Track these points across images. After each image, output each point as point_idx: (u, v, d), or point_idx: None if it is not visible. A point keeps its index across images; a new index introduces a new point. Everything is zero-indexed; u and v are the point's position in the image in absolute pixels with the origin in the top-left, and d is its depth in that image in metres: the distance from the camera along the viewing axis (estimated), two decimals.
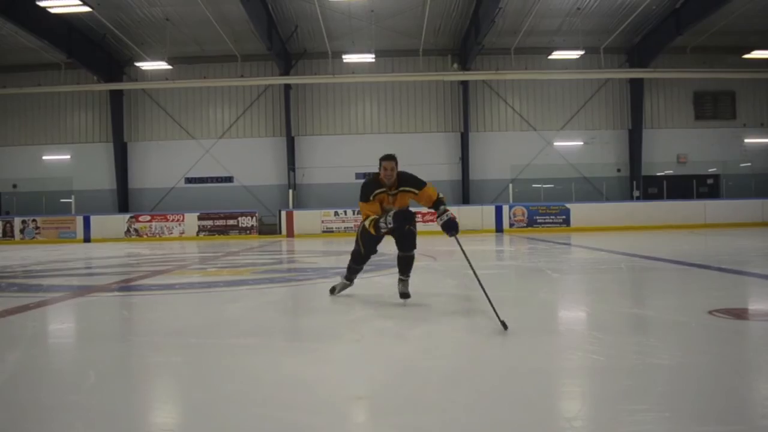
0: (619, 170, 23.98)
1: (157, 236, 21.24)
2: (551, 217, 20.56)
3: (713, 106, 24.13)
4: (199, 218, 21.50)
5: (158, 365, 3.18)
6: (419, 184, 4.75)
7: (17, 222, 21.55)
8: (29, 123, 24.28)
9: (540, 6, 19.35)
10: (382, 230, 4.75)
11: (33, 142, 24.26)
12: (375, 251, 5.04)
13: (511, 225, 20.40)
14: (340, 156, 23.17)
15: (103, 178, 24.14)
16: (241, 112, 24.23)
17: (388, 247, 5.33)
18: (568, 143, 23.87)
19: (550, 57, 21.47)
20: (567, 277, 7.24)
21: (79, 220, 21.49)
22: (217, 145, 24.13)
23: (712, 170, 23.88)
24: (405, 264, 4.82)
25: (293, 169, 23.59)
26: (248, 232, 21.39)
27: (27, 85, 22.44)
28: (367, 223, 4.73)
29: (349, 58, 21.21)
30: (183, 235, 21.31)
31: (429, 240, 15.27)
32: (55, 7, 16.74)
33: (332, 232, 20.55)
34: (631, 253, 9.95)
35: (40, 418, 2.32)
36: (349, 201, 19.92)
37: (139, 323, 4.75)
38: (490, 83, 23.90)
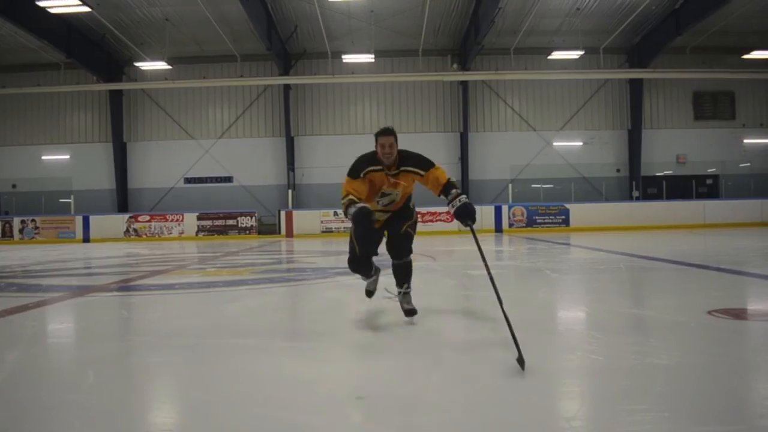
0: (618, 170, 23.98)
1: (157, 236, 21.22)
2: (550, 217, 20.56)
3: (712, 107, 24.13)
4: (199, 218, 21.48)
5: (157, 365, 3.18)
6: (425, 164, 3.90)
7: (16, 222, 21.53)
8: (28, 123, 24.26)
9: (539, 6, 19.34)
10: (365, 220, 3.62)
11: (32, 142, 24.24)
12: (375, 251, 4.12)
13: (510, 225, 20.41)
14: (340, 156, 23.05)
15: (103, 178, 24.12)
16: (240, 112, 24.22)
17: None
18: (568, 143, 23.87)
19: (549, 57, 21.47)
20: (566, 277, 7.24)
21: (79, 220, 21.47)
22: (217, 145, 24.12)
23: (711, 170, 23.89)
24: (402, 273, 4.15)
25: (293, 169, 23.58)
26: (247, 232, 21.38)
27: (26, 85, 22.42)
28: (344, 201, 3.73)
29: (349, 58, 21.21)
30: (182, 235, 21.29)
31: (428, 240, 15.27)
32: (55, 7, 16.72)
33: (331, 232, 20.54)
34: (630, 253, 9.95)
35: (39, 417, 2.32)
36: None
37: (138, 323, 4.75)
38: (490, 83, 23.91)
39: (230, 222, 21.48)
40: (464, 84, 23.32)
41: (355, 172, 3.81)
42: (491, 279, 3.41)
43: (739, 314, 4.07)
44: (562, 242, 14.18)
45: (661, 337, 3.51)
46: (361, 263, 4.07)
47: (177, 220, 21.46)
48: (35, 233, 21.37)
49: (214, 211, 21.87)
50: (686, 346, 3.24)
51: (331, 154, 23.21)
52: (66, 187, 23.68)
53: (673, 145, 23.86)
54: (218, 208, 22.22)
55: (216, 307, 5.26)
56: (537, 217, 20.52)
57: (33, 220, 21.52)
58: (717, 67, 22.36)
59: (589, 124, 24.05)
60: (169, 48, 20.94)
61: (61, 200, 23.50)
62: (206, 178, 24.04)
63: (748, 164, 23.87)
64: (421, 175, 3.86)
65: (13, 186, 24.12)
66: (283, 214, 21.23)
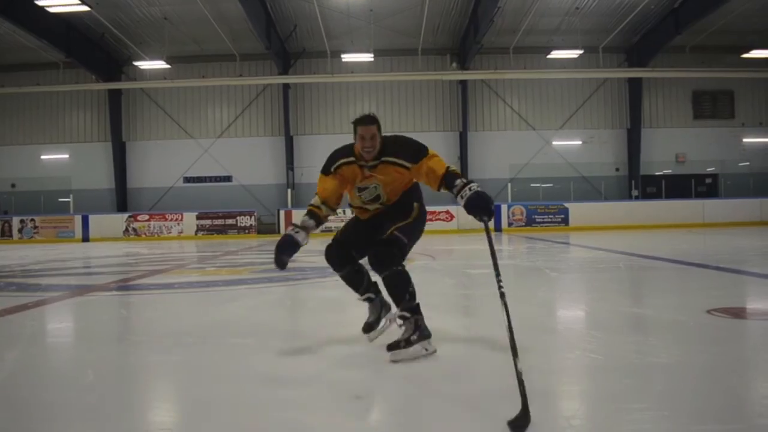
0: (617, 169, 23.99)
1: (156, 236, 21.21)
2: (550, 216, 20.56)
3: (712, 106, 24.14)
4: (198, 218, 21.48)
5: (156, 364, 3.18)
6: (413, 153, 3.08)
7: (15, 221, 21.51)
8: (27, 122, 24.24)
9: (539, 5, 19.34)
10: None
11: (31, 142, 24.21)
12: (356, 255, 3.35)
13: (509, 224, 20.41)
14: None
15: (102, 178, 24.10)
16: (239, 112, 24.21)
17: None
18: (567, 142, 23.87)
19: (548, 56, 21.46)
20: (565, 276, 7.25)
21: (78, 219, 21.46)
22: (216, 145, 24.10)
23: (710, 169, 23.89)
24: (392, 287, 3.09)
25: (292, 169, 23.57)
26: (247, 231, 21.37)
27: (25, 85, 22.39)
28: (308, 207, 3.26)
29: (348, 57, 21.20)
30: (181, 235, 21.28)
31: (427, 239, 15.26)
32: (54, 6, 16.70)
33: (331, 231, 20.44)
34: (629, 252, 9.95)
35: (39, 416, 2.32)
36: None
37: (137, 323, 4.75)
38: (489, 82, 23.90)
39: (229, 221, 21.48)
40: (463, 83, 23.31)
41: (326, 167, 3.31)
42: (503, 299, 2.55)
43: (738, 313, 4.07)
44: (562, 241, 14.18)
45: (660, 336, 3.51)
46: (333, 253, 3.32)
47: (176, 220, 21.45)
48: (34, 233, 21.35)
49: (213, 210, 21.86)
50: (685, 345, 3.24)
51: None
52: (65, 186, 23.66)
53: (673, 144, 23.86)
54: (217, 208, 22.21)
55: (215, 306, 5.26)
56: (536, 217, 20.53)
57: (32, 220, 21.50)
58: (716, 66, 22.36)
59: (588, 124, 24.06)
60: (168, 47, 20.92)
61: (60, 200, 23.48)
62: (205, 177, 24.02)
63: (748, 163, 23.88)
64: (407, 168, 3.07)
65: (12, 185, 24.09)
66: (282, 213, 21.22)
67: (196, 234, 21.30)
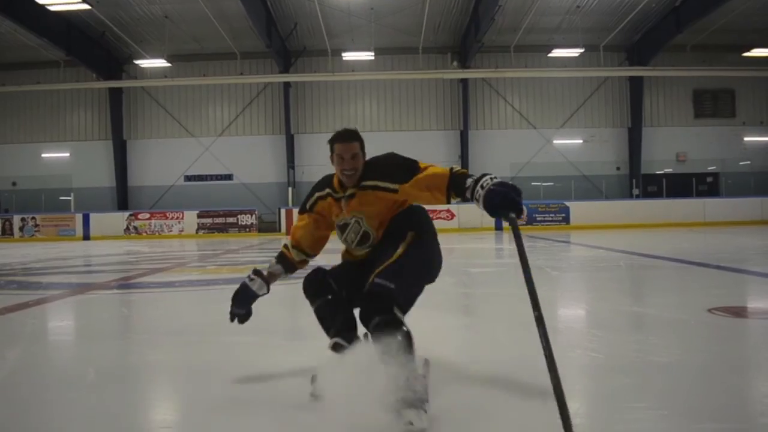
0: (618, 168, 23.97)
1: (157, 234, 21.22)
2: (551, 215, 20.56)
3: (713, 104, 24.11)
4: (199, 216, 21.49)
5: (157, 363, 3.18)
6: (401, 171, 2.44)
7: (16, 220, 21.53)
8: (28, 121, 24.24)
9: (540, 4, 19.30)
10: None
11: (32, 140, 24.21)
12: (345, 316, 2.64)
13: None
14: None
15: (103, 176, 24.10)
16: (240, 110, 24.20)
17: None
18: (568, 141, 23.85)
19: (549, 55, 21.43)
20: (566, 275, 7.25)
21: (79, 217, 21.47)
22: (217, 143, 24.10)
23: (711, 168, 23.87)
24: (381, 345, 2.20)
25: (293, 167, 23.57)
26: (248, 230, 21.38)
27: (26, 83, 22.39)
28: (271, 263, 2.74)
29: (349, 55, 21.18)
30: (182, 233, 21.29)
31: None
32: (54, 4, 16.68)
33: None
34: (630, 251, 9.95)
35: (40, 414, 2.32)
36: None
37: (138, 321, 4.75)
38: (490, 81, 23.88)
39: (230, 220, 21.49)
40: (464, 82, 23.29)
41: (303, 203, 2.76)
42: (540, 326, 1.96)
43: (739, 312, 4.07)
44: (562, 240, 14.18)
45: (661, 335, 3.51)
46: (310, 278, 2.69)
47: (177, 218, 21.46)
48: (35, 231, 21.36)
49: (214, 208, 21.86)
50: (686, 344, 3.24)
51: None
52: (66, 184, 23.68)
53: (673, 143, 23.83)
54: (218, 206, 22.22)
55: (216, 305, 5.26)
56: (537, 215, 20.52)
57: (33, 218, 21.51)
58: (717, 65, 22.32)
59: (589, 122, 24.03)
60: (168, 45, 20.91)
61: (61, 198, 23.50)
62: (206, 175, 24.02)
63: (749, 162, 23.86)
64: (394, 191, 2.43)
65: (13, 184, 24.10)
66: (283, 211, 21.23)
67: (196, 232, 21.31)
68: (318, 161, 23.42)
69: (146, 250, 13.70)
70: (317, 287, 2.64)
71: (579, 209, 20.63)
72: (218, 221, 21.44)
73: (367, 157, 2.61)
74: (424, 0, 18.47)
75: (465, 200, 2.26)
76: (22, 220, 21.49)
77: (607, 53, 22.30)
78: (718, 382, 2.52)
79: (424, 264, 2.58)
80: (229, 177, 24.03)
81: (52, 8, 17.09)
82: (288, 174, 23.43)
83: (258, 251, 12.71)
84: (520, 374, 2.64)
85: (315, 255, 2.78)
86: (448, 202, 2.36)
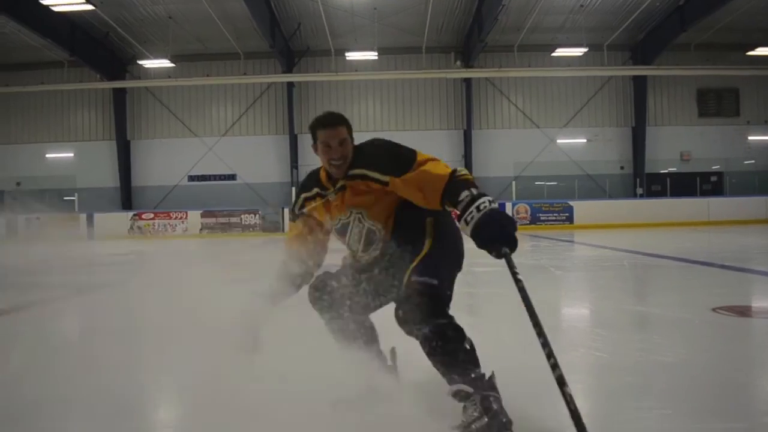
0: (622, 167, 23.90)
1: (160, 234, 21.26)
2: (554, 214, 20.52)
3: (717, 104, 24.03)
4: (202, 216, 21.52)
5: (160, 362, 3.18)
6: (395, 161, 2.11)
7: (20, 219, 21.57)
8: (32, 121, 24.31)
9: (543, 3, 19.27)
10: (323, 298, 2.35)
11: (36, 140, 24.28)
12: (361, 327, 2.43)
13: None
14: None
15: (107, 176, 24.16)
16: (243, 110, 24.23)
17: None
18: (572, 140, 23.80)
19: (553, 54, 21.38)
20: (570, 274, 7.24)
21: (83, 217, 21.51)
22: (220, 143, 24.13)
23: (715, 167, 23.79)
24: (432, 352, 2.04)
25: (296, 167, 23.58)
26: (251, 229, 21.41)
27: (30, 83, 22.44)
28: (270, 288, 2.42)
29: (352, 55, 21.19)
30: (186, 233, 21.33)
31: None
32: (58, 5, 16.74)
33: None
34: (634, 250, 9.93)
35: (42, 415, 2.33)
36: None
37: (141, 320, 4.76)
38: (493, 81, 23.84)
39: (234, 220, 21.52)
40: (468, 81, 23.27)
41: (291, 211, 2.41)
42: (555, 371, 1.81)
43: (743, 311, 4.06)
44: (566, 239, 14.16)
45: (665, 335, 3.51)
46: (321, 294, 2.41)
47: (180, 218, 21.50)
48: (39, 231, 21.40)
49: (217, 208, 21.89)
50: (690, 344, 3.24)
51: None
52: (70, 185, 23.75)
53: (677, 142, 23.76)
54: (222, 206, 22.25)
55: (219, 304, 5.26)
56: (541, 215, 20.49)
57: (37, 218, 21.56)
58: (721, 64, 22.23)
59: (592, 122, 23.98)
60: (172, 46, 20.94)
61: (65, 198, 23.55)
62: (210, 175, 24.05)
63: (753, 161, 23.77)
64: (384, 183, 2.10)
65: (18, 184, 24.18)
66: (286, 211, 21.24)
67: (200, 232, 21.34)
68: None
69: (150, 250, 13.72)
70: (325, 296, 2.37)
71: (582, 208, 20.58)
72: (221, 221, 21.48)
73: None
74: (427, 0, 18.47)
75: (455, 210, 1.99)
76: (26, 219, 21.53)
77: (610, 52, 22.25)
78: (722, 381, 2.52)
79: (453, 251, 2.25)
80: (232, 177, 24.06)
81: (56, 9, 17.13)
82: (291, 174, 23.44)
83: (261, 251, 12.73)
84: (524, 375, 2.63)
85: (319, 264, 2.41)
86: (442, 209, 2.05)
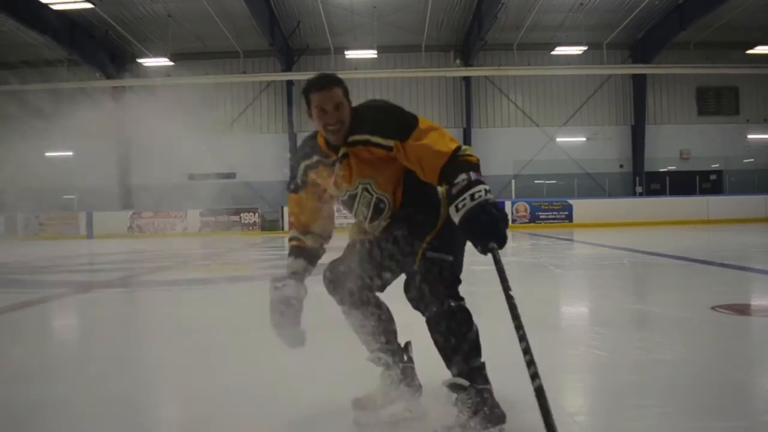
0: (621, 166, 23.91)
1: (160, 233, 21.25)
2: (554, 213, 20.53)
3: (716, 102, 24.04)
4: (202, 214, 21.51)
5: (161, 361, 3.19)
6: (395, 126, 1.96)
7: (20, 218, 21.57)
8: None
9: (543, 1, 19.26)
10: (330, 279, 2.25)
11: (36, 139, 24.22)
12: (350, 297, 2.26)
13: (513, 221, 20.35)
14: None
15: (106, 175, 24.12)
16: (243, 109, 24.22)
17: None
18: (571, 139, 23.81)
19: (552, 53, 21.39)
20: (569, 272, 7.24)
21: (82, 216, 21.51)
22: (220, 142, 24.08)
23: (715, 166, 23.80)
24: (438, 335, 2.01)
25: None
26: (251, 228, 21.40)
27: (29, 82, 22.40)
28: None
29: (352, 54, 21.19)
30: (186, 232, 21.31)
31: None
32: (57, 3, 16.73)
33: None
34: (633, 248, 9.93)
35: (43, 413, 2.33)
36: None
37: (141, 319, 4.77)
38: (493, 79, 23.84)
39: (233, 218, 21.52)
40: (467, 80, 23.27)
41: (291, 182, 2.21)
42: (535, 381, 1.74)
43: (742, 310, 4.06)
44: (566, 238, 14.17)
45: (664, 333, 3.51)
46: (325, 277, 2.28)
47: (180, 217, 21.49)
48: (39, 230, 21.40)
49: (217, 207, 21.87)
50: (690, 342, 3.24)
51: None
52: (69, 183, 23.70)
53: (677, 140, 23.77)
54: (221, 205, 22.23)
55: (219, 303, 5.27)
56: (540, 213, 20.49)
57: (36, 217, 21.55)
58: (721, 63, 22.23)
59: (592, 120, 23.99)
60: (171, 44, 20.93)
61: (64, 196, 23.52)
62: (209, 174, 24.03)
63: (752, 160, 23.79)
64: (388, 148, 1.95)
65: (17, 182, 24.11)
66: (286, 210, 21.24)
67: (200, 231, 21.34)
68: None
69: (149, 249, 13.72)
70: (340, 284, 2.24)
71: (582, 207, 20.59)
72: (221, 219, 21.47)
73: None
74: None
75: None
76: (26, 218, 21.52)
77: (610, 51, 22.25)
78: (722, 379, 2.52)
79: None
80: (232, 175, 24.04)
81: (55, 7, 17.13)
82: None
83: (261, 249, 12.73)
84: (523, 373, 2.64)
85: (330, 235, 2.28)
86: (439, 185, 1.93)
